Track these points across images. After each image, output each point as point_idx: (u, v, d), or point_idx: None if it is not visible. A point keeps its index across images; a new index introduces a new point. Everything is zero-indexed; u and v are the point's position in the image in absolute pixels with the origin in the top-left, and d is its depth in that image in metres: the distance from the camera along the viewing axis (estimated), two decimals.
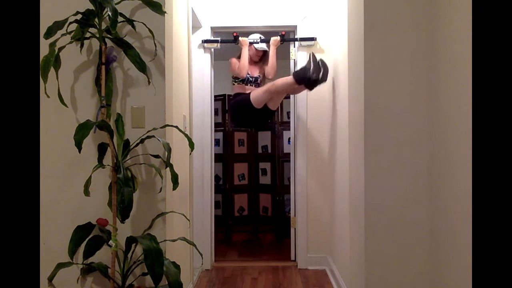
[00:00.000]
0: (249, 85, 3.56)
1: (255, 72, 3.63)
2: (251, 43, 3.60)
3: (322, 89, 3.58)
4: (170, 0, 2.19)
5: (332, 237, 3.41)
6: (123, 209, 1.75)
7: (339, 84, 2.98)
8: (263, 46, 3.57)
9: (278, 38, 3.56)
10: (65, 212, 2.06)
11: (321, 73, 3.09)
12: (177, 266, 1.82)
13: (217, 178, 4.67)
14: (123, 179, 1.79)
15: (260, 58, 3.67)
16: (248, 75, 3.55)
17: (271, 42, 3.57)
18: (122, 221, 1.77)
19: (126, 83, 2.07)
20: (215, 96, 3.91)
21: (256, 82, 3.60)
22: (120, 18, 1.84)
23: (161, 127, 1.96)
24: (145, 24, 1.95)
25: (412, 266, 1.94)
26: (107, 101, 1.95)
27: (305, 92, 3.60)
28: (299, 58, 3.63)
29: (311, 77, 3.08)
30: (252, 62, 3.65)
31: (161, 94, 2.06)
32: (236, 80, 3.56)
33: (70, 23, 1.85)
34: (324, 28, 3.56)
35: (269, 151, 5.00)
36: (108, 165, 1.91)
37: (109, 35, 1.90)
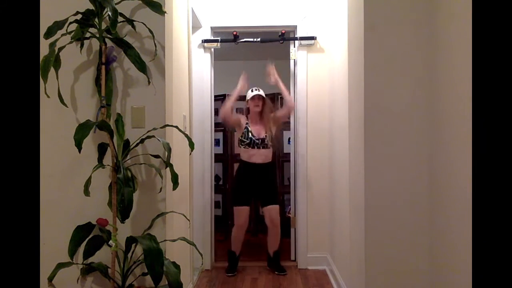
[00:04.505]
0: (255, 148, 3.51)
1: (262, 132, 3.55)
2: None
3: (322, 89, 3.59)
4: (170, 0, 2.19)
5: (332, 237, 3.41)
6: (123, 209, 1.75)
7: (339, 84, 2.98)
8: (255, 92, 3.52)
9: (271, 65, 3.50)
10: (65, 212, 2.06)
11: None
12: (177, 266, 1.82)
13: (217, 178, 4.67)
14: (123, 179, 1.79)
15: (262, 108, 3.58)
16: (253, 137, 3.50)
17: (268, 72, 3.50)
18: (122, 221, 1.77)
19: (126, 83, 2.07)
20: (215, 96, 3.90)
21: (264, 143, 3.52)
22: (120, 18, 1.84)
23: (161, 127, 1.96)
24: (145, 24, 1.95)
25: (412, 265, 1.94)
26: (107, 101, 1.95)
27: (305, 92, 3.61)
28: (299, 58, 3.63)
29: None
30: (256, 119, 3.58)
31: (161, 94, 2.06)
32: (241, 143, 3.55)
33: (70, 23, 1.85)
34: (324, 28, 3.56)
35: None
36: (108, 165, 1.91)
37: (109, 35, 1.90)
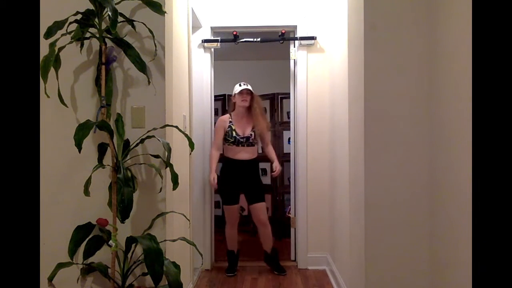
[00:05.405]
0: (240, 146, 3.49)
1: (247, 129, 3.51)
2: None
3: (322, 89, 3.59)
4: (170, 0, 2.19)
5: (332, 237, 3.41)
6: (123, 209, 1.75)
7: (339, 84, 2.98)
8: (243, 87, 3.46)
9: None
10: (65, 212, 2.06)
11: None
12: (177, 266, 1.82)
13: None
14: (123, 179, 1.79)
15: (250, 103, 3.51)
16: (237, 136, 3.47)
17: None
18: (122, 221, 1.77)
19: (126, 83, 2.07)
20: (215, 96, 3.90)
21: (249, 142, 3.49)
22: (120, 18, 1.84)
23: (161, 127, 1.96)
24: (145, 24, 1.95)
25: (412, 265, 1.94)
26: (107, 101, 1.95)
27: (305, 92, 3.60)
28: (299, 58, 3.63)
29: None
30: (242, 115, 3.54)
31: (161, 94, 2.06)
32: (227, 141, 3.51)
33: (70, 23, 1.85)
34: (324, 28, 3.56)
35: None
36: (108, 165, 1.91)
37: (109, 35, 1.90)
